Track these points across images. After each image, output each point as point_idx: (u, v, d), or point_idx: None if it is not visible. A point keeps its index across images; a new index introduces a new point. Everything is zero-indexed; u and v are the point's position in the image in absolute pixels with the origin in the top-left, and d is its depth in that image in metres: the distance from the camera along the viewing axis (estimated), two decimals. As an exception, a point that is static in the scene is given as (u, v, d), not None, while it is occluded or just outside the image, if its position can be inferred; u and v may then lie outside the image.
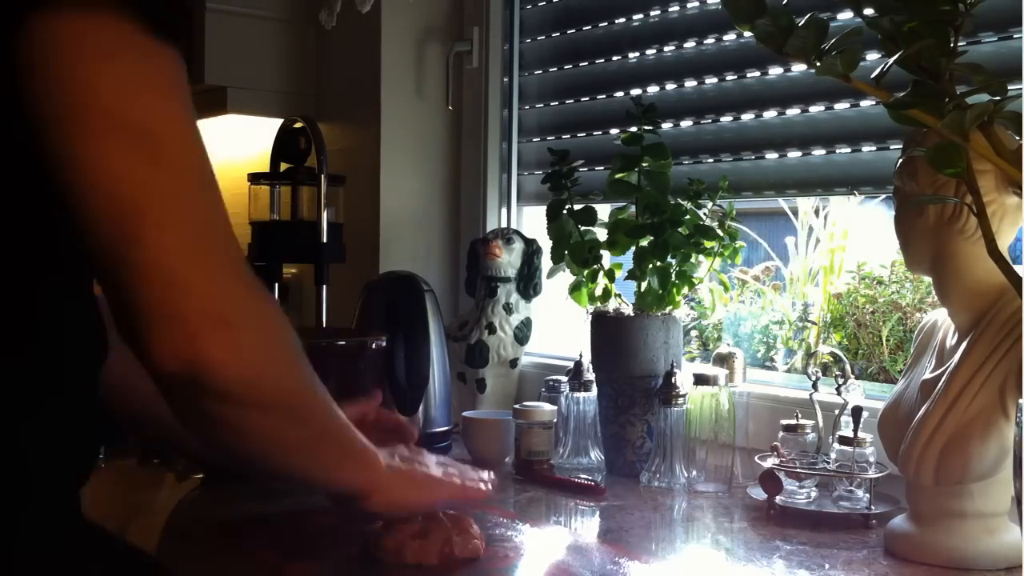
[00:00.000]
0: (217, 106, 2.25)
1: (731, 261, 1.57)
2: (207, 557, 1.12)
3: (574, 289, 1.61)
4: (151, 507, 1.43)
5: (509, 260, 1.86)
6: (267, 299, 0.90)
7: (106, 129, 0.77)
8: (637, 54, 1.83)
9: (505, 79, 2.08)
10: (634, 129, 1.55)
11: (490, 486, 1.12)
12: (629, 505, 1.37)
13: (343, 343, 1.47)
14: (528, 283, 1.87)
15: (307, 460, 0.97)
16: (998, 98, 0.83)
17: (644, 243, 1.53)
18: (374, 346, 1.47)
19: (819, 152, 1.57)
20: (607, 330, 1.56)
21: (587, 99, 1.94)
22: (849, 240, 1.92)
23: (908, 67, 0.85)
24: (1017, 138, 0.95)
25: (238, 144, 2.56)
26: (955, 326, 1.15)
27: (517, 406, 1.58)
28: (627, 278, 1.56)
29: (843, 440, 1.30)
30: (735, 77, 1.67)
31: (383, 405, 1.60)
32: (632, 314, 1.55)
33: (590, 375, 1.60)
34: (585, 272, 1.59)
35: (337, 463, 1.00)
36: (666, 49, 1.78)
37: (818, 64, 0.87)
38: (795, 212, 2.00)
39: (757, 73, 1.64)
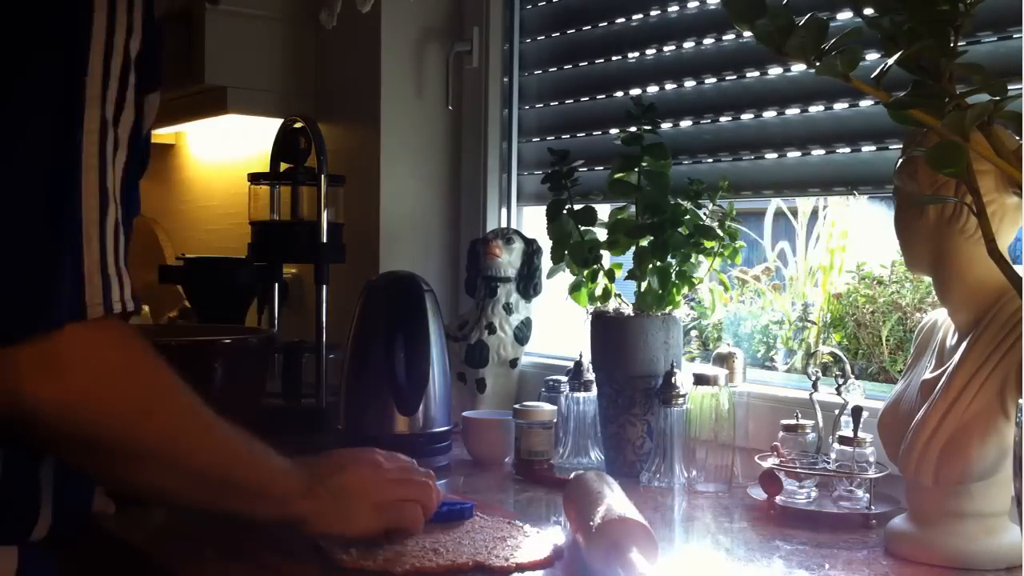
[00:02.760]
0: (217, 106, 2.25)
1: (731, 261, 1.57)
2: (207, 557, 1.12)
3: (574, 289, 1.61)
4: (151, 507, 1.43)
5: (509, 260, 1.86)
6: (131, 341, 0.91)
7: None
8: (637, 54, 1.83)
9: (505, 79, 2.08)
10: (634, 129, 1.55)
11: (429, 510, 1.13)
12: (629, 505, 1.37)
13: (228, 341, 1.47)
14: (528, 283, 1.87)
15: (206, 500, 1.00)
16: (998, 98, 0.83)
17: (644, 243, 1.53)
18: (256, 341, 1.48)
19: (818, 152, 1.57)
20: (607, 330, 1.56)
21: (587, 99, 1.94)
22: (849, 240, 1.92)
23: (908, 67, 0.85)
24: (1017, 138, 0.95)
25: (238, 144, 2.56)
26: (955, 326, 1.15)
27: (517, 406, 1.58)
28: (627, 278, 1.56)
29: (843, 440, 1.30)
30: (734, 77, 1.67)
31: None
32: (632, 314, 1.55)
33: (590, 375, 1.60)
34: (585, 272, 1.59)
35: (246, 503, 1.02)
36: (666, 49, 1.78)
37: (818, 64, 0.87)
38: (794, 212, 2.00)
39: (756, 73, 1.64)
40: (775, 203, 2.01)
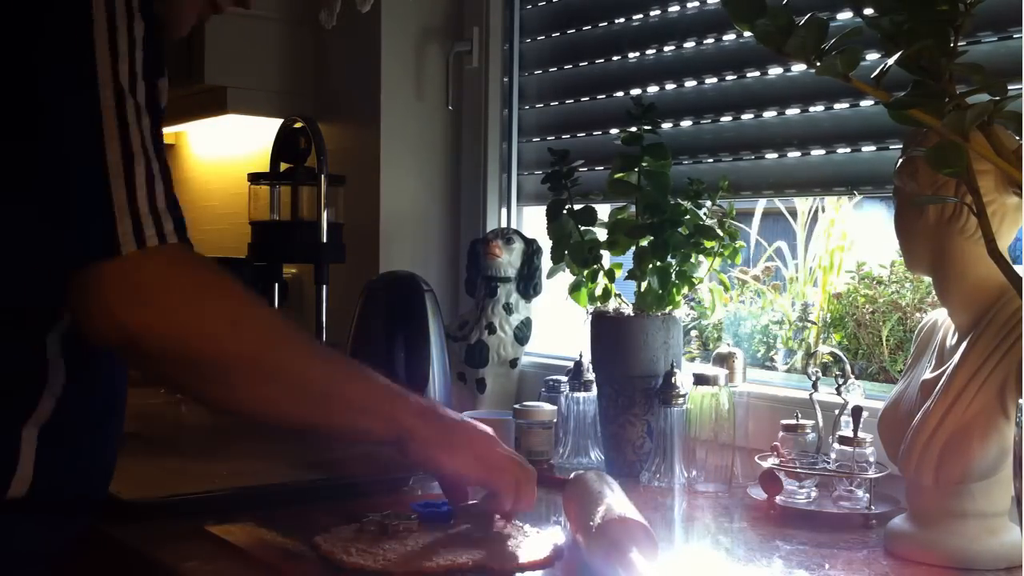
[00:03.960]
0: (217, 106, 2.25)
1: (731, 261, 1.57)
2: (207, 557, 1.12)
3: (574, 289, 1.61)
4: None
5: (509, 260, 1.86)
6: (202, 266, 0.99)
7: None
8: (637, 54, 1.83)
9: (505, 79, 2.08)
10: (634, 129, 1.55)
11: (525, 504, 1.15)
12: (629, 505, 1.37)
13: None
14: (528, 283, 1.87)
15: (309, 416, 1.04)
16: (998, 98, 0.83)
17: (644, 243, 1.53)
18: None
19: (818, 152, 1.57)
20: (607, 330, 1.56)
21: (587, 99, 1.94)
22: (848, 240, 1.92)
23: (908, 67, 0.85)
24: (1017, 138, 0.95)
25: (238, 144, 2.56)
26: (955, 326, 1.15)
27: (517, 406, 1.58)
28: (627, 278, 1.56)
29: (843, 440, 1.30)
30: (735, 77, 1.67)
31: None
32: (632, 314, 1.55)
33: (590, 375, 1.60)
34: (585, 272, 1.59)
35: (351, 417, 1.06)
36: (666, 49, 1.78)
37: (818, 64, 0.87)
38: (793, 213, 2.01)
39: (757, 73, 1.64)
40: (779, 204, 2.01)
